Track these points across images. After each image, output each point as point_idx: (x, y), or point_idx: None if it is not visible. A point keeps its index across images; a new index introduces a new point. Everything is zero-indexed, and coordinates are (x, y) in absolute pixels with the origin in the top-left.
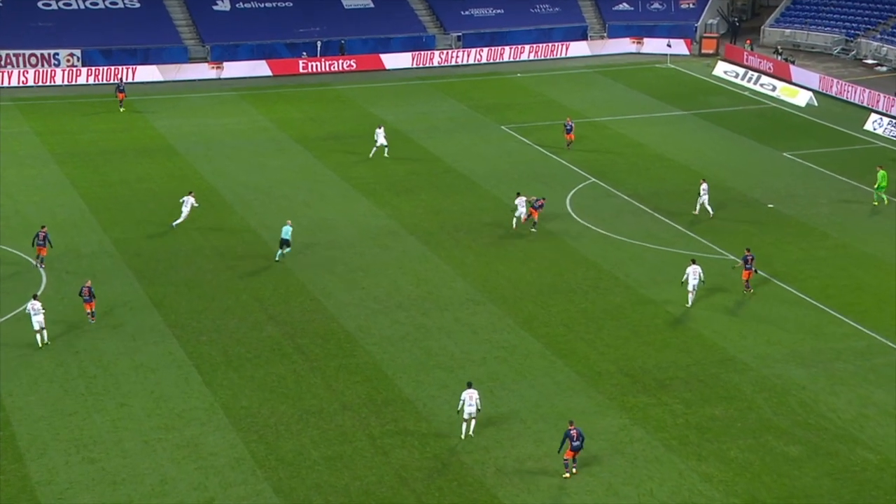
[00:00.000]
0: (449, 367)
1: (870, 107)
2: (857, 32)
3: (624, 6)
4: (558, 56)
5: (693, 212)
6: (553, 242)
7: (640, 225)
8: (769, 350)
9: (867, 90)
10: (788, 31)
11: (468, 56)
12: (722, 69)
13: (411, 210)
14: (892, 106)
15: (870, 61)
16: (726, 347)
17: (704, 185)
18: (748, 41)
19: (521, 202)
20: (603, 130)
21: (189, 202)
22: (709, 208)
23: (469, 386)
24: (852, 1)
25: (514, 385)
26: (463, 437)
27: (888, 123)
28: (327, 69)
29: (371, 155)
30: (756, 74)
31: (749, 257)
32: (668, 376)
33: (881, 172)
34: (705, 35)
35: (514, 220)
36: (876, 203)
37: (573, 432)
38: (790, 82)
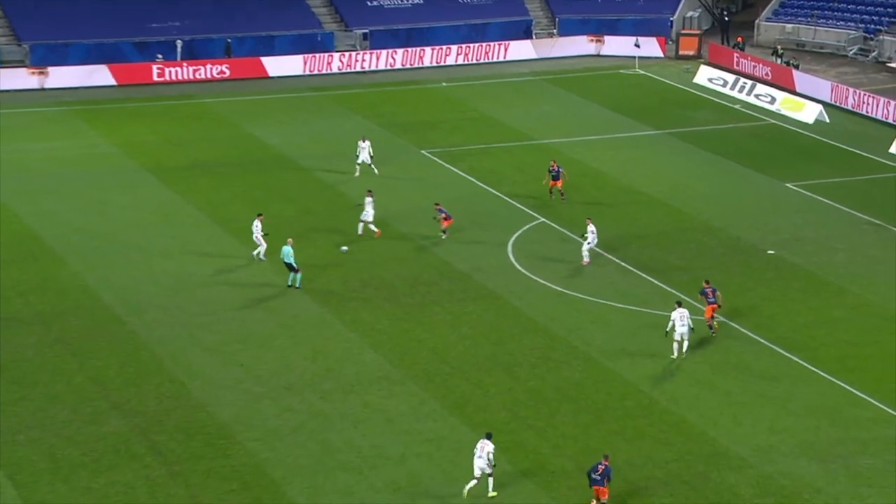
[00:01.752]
0: (356, 467)
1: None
2: (878, 28)
3: None
4: (495, 59)
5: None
6: (491, 302)
7: (604, 278)
8: (773, 440)
9: (893, 102)
10: (790, 26)
11: (377, 60)
12: (706, 75)
13: (304, 261)
14: None
15: (894, 64)
16: (717, 437)
17: None
18: (739, 39)
19: (369, 203)
20: (554, 156)
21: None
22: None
23: (488, 437)
24: None
25: (441, 490)
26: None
27: None
28: (191, 77)
29: (357, 174)
30: (750, 82)
31: (709, 290)
32: (643, 476)
33: None
34: (683, 32)
35: (361, 224)
36: None
37: (600, 467)
38: (794, 92)
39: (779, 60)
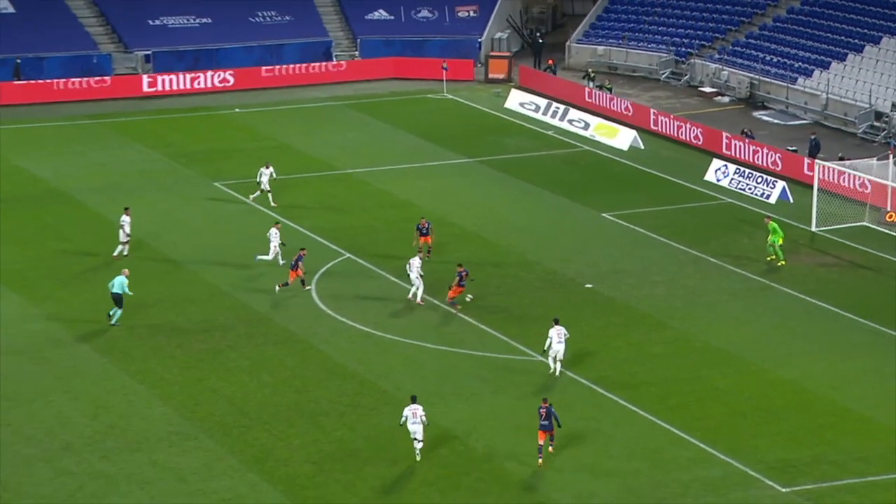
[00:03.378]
0: None
1: (711, 151)
2: (689, 51)
3: (381, 14)
4: (293, 84)
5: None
6: (294, 346)
7: (416, 317)
8: (594, 486)
9: (704, 128)
10: (601, 48)
11: (163, 83)
12: (517, 100)
13: (83, 306)
14: (740, 149)
15: (707, 89)
16: (537, 485)
17: None
18: (550, 62)
19: (274, 235)
20: (359, 187)
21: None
22: None
23: (413, 401)
24: (681, 10)
25: None
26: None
27: (734, 173)
28: None
29: (252, 198)
30: (563, 107)
31: (463, 273)
32: None
33: (771, 224)
34: (492, 54)
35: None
36: (772, 258)
37: (542, 411)
38: (607, 118)
39: (591, 84)
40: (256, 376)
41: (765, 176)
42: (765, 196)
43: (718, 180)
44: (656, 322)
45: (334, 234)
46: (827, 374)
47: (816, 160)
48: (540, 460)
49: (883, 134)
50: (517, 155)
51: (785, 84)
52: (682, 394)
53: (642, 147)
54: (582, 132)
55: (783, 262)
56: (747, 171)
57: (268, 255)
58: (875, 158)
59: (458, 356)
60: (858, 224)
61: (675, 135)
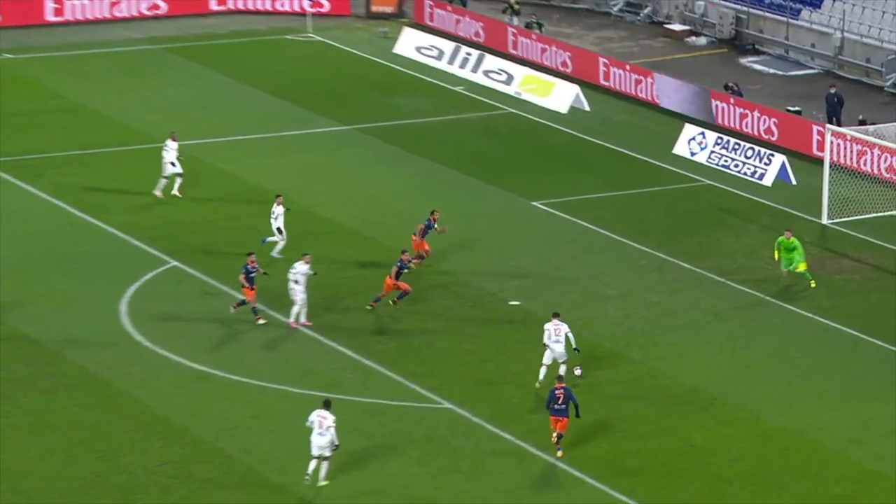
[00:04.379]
0: None
1: (682, 113)
2: None
3: None
4: (91, 19)
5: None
6: (95, 392)
7: (274, 349)
8: None
9: (677, 81)
10: None
11: None
12: (412, 43)
13: None
14: (725, 112)
15: (677, 27)
16: None
17: None
18: None
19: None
20: (190, 166)
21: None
22: None
23: (326, 406)
24: None
25: None
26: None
27: (715, 144)
28: None
29: (158, 191)
30: (476, 53)
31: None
32: None
33: (792, 240)
34: None
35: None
36: (790, 270)
37: (557, 393)
38: (539, 67)
39: (515, 20)
40: (40, 438)
41: (757, 148)
42: (757, 176)
43: (693, 154)
44: (608, 353)
45: (154, 234)
46: (845, 424)
47: (828, 126)
48: (560, 452)
49: None
50: (413, 120)
51: (784, 18)
52: (645, 453)
53: (587, 109)
54: (503, 88)
55: (814, 283)
56: (733, 141)
57: (277, 237)
58: None
59: (334, 404)
60: (886, 214)
61: (633, 91)
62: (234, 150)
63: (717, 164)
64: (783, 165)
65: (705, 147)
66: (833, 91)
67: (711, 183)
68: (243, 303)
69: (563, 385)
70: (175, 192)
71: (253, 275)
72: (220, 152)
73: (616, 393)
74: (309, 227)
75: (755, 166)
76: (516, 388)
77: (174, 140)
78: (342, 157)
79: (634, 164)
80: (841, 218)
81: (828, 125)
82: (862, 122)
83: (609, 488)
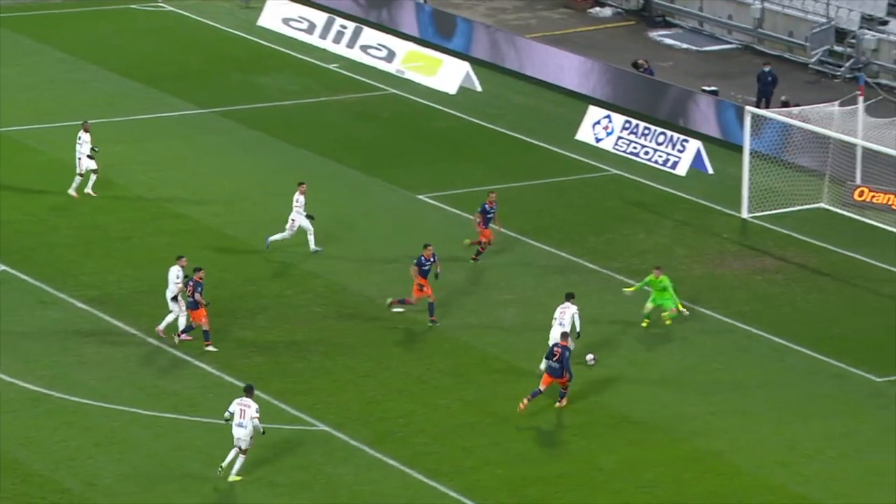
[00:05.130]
0: None
1: (586, 94)
2: None
3: None
4: None
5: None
6: None
7: (123, 368)
8: None
9: (580, 58)
10: None
11: None
12: (278, 14)
13: None
14: (633, 93)
15: None
16: None
17: None
18: None
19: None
20: (15, 156)
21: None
22: None
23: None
24: None
25: None
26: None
27: (623, 128)
28: None
29: (73, 190)
30: (353, 26)
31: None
32: None
33: (661, 278)
34: None
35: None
36: (645, 324)
37: (556, 350)
38: (424, 43)
39: None
40: None
41: (669, 133)
42: (670, 164)
43: (598, 140)
44: (505, 366)
45: None
46: (769, 444)
47: (747, 108)
48: (522, 404)
49: (849, 64)
50: (280, 103)
51: None
52: (547, 479)
53: (479, 89)
54: (384, 66)
55: (681, 310)
56: (642, 125)
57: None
58: (837, 103)
59: (190, 428)
60: (812, 206)
61: (531, 69)
62: (72, 138)
63: (624, 152)
64: (698, 152)
65: (612, 132)
66: (767, 69)
67: (619, 173)
68: (190, 328)
69: (566, 344)
70: (88, 189)
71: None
72: (56, 139)
73: (514, 412)
74: (162, 224)
75: (667, 154)
76: (401, 406)
77: (86, 131)
78: (199, 144)
79: (533, 152)
80: (763, 211)
81: (747, 107)
82: (785, 104)
83: None
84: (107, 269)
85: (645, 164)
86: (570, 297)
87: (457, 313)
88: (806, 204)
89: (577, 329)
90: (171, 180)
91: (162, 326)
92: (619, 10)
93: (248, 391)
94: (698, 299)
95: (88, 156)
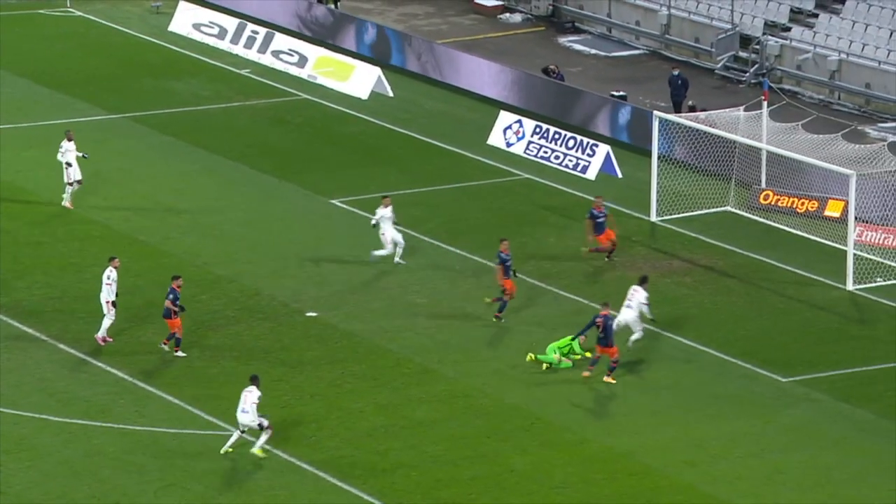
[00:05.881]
0: None
1: (498, 99)
2: None
3: None
4: None
5: None
6: None
7: (32, 375)
8: None
9: (490, 63)
10: None
11: None
12: (189, 19)
13: None
14: (544, 98)
15: (488, 2)
16: None
17: None
18: None
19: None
20: None
21: None
22: None
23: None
24: None
25: None
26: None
27: (534, 133)
28: None
29: (66, 200)
30: (264, 31)
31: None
32: None
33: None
34: None
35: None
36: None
37: (598, 321)
38: (336, 48)
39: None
40: None
41: (580, 138)
42: (580, 168)
43: (510, 144)
44: (419, 369)
45: None
46: (678, 444)
47: (655, 113)
48: (587, 373)
49: (753, 70)
50: (193, 108)
51: None
52: (461, 482)
53: (391, 94)
54: (296, 71)
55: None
56: (553, 129)
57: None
58: (742, 107)
59: (102, 434)
60: (719, 210)
61: (443, 75)
62: None
63: (535, 156)
64: (608, 157)
65: (523, 137)
66: (676, 73)
67: (530, 177)
68: (173, 336)
69: (607, 314)
70: (66, 203)
71: (178, 301)
72: None
73: (428, 414)
74: (73, 229)
75: (577, 158)
76: (314, 410)
77: (70, 140)
78: (111, 149)
79: (445, 157)
80: (671, 215)
81: (655, 112)
82: (692, 109)
83: None
84: (16, 274)
85: (555, 169)
86: (643, 280)
87: (370, 317)
88: (713, 207)
89: (649, 315)
90: (81, 185)
91: (100, 333)
92: (529, 16)
93: (254, 380)
94: (608, 302)
95: (68, 163)
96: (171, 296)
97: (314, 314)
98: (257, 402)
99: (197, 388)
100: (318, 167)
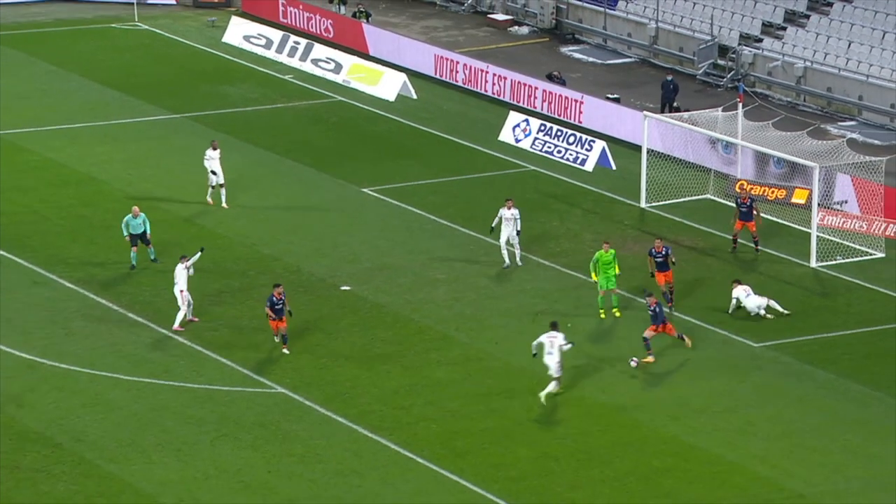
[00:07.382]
0: None
1: (509, 101)
2: None
3: None
4: None
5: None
6: None
7: (104, 339)
8: None
9: (499, 72)
10: None
11: None
12: (240, 32)
13: None
14: (546, 100)
15: (500, 16)
16: None
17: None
18: None
19: (509, 217)
20: (13, 155)
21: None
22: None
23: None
24: None
25: None
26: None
27: (539, 130)
28: None
29: (209, 198)
30: (305, 42)
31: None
32: None
33: (609, 253)
34: None
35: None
36: (603, 316)
37: (653, 307)
38: (367, 57)
39: (342, 9)
40: None
41: (579, 134)
42: (579, 161)
43: (518, 140)
44: (439, 336)
45: None
46: (664, 402)
47: (645, 113)
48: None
49: (730, 76)
50: (243, 109)
51: (602, 9)
52: (474, 433)
53: (414, 97)
54: (332, 76)
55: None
56: (555, 128)
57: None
58: (720, 109)
59: (166, 391)
60: (700, 197)
61: (455, 78)
62: (59, 139)
63: (540, 151)
64: (603, 151)
65: (529, 134)
66: (670, 78)
67: (536, 169)
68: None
69: (654, 303)
70: (209, 198)
71: (279, 307)
72: (47, 141)
73: (446, 375)
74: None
75: (577, 152)
76: (348, 371)
77: (215, 149)
78: (171, 145)
79: (461, 151)
80: (658, 202)
81: (644, 112)
82: (676, 109)
83: (439, 468)
84: (91, 253)
85: (558, 162)
86: (553, 325)
87: (396, 291)
88: (695, 195)
89: (781, 309)
90: (146, 176)
91: (177, 324)
92: (535, 28)
93: (554, 326)
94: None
95: (213, 171)
96: (268, 302)
97: (348, 288)
98: (565, 344)
99: (246, 352)
100: (351, 160)
